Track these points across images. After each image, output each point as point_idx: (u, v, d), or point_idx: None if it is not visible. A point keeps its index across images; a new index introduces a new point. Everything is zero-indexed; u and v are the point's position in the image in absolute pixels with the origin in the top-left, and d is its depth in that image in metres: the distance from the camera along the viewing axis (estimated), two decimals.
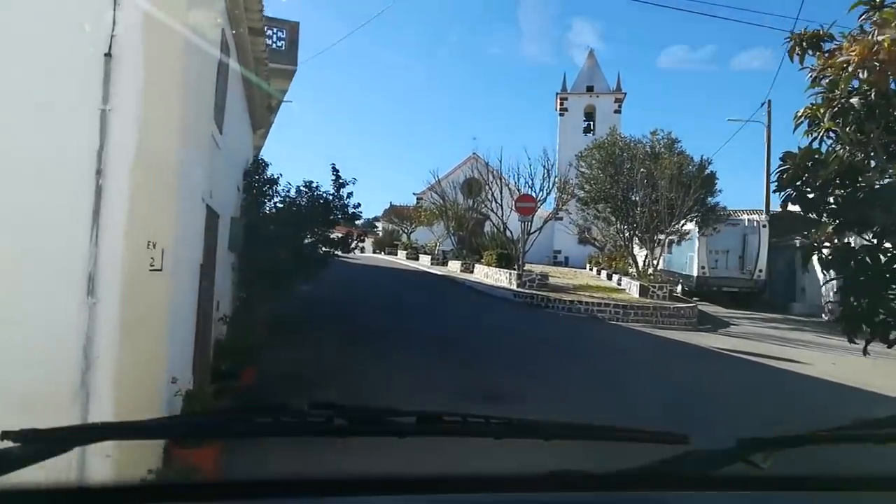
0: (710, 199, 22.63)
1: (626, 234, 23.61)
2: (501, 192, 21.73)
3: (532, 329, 14.83)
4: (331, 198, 11.68)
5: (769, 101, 28.02)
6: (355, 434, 1.23)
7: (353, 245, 12.51)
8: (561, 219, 41.00)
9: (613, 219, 24.32)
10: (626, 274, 24.95)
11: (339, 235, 12.51)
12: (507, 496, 1.24)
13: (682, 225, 22.63)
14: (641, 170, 21.60)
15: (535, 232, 21.46)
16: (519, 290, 19.76)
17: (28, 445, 1.09)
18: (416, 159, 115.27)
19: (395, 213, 38.61)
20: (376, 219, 42.16)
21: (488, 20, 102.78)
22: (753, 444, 1.27)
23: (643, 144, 22.96)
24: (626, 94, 43.92)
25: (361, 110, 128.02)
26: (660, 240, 22.27)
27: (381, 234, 42.57)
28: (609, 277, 27.78)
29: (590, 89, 44.27)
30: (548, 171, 21.48)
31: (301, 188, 11.71)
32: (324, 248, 11.71)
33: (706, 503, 1.29)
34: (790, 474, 1.29)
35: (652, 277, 21.07)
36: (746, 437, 1.30)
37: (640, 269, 23.03)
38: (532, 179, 21.80)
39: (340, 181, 11.70)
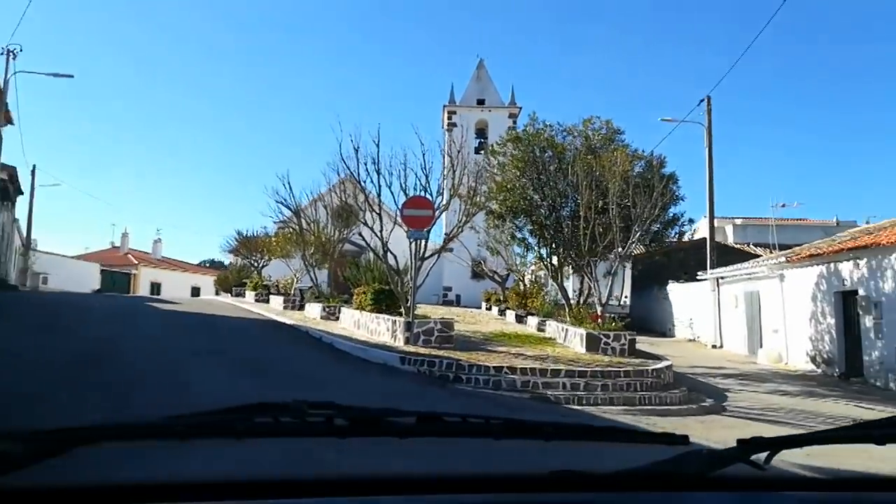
0: (672, 207, 16.50)
1: (556, 260, 16.94)
2: (380, 193, 14.20)
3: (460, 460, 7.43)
4: None
5: (708, 97, 22.89)
6: (355, 434, 1.24)
7: None
8: (451, 250, 34.34)
9: (533, 240, 17.62)
10: (551, 316, 18.28)
11: None
12: (507, 496, 1.22)
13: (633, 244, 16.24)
14: (576, 170, 15.10)
15: (431, 256, 14.06)
16: (409, 349, 12.23)
17: (28, 445, 1.13)
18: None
19: (243, 244, 29.96)
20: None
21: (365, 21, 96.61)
22: (753, 444, 1.26)
23: (579, 132, 16.54)
24: (521, 108, 38.45)
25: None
26: (611, 264, 15.66)
27: (229, 270, 33.61)
28: (520, 320, 21.36)
29: (480, 102, 38.62)
30: (453, 166, 14.19)
31: None
32: None
33: (706, 503, 1.26)
34: (790, 474, 1.32)
35: (601, 321, 14.32)
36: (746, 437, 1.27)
37: (575, 308, 16.36)
38: (427, 176, 14.35)
39: None
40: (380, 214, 13.89)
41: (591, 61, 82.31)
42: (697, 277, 23.22)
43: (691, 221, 16.46)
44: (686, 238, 20.52)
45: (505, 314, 23.33)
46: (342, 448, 1.25)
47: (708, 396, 11.71)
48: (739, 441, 1.27)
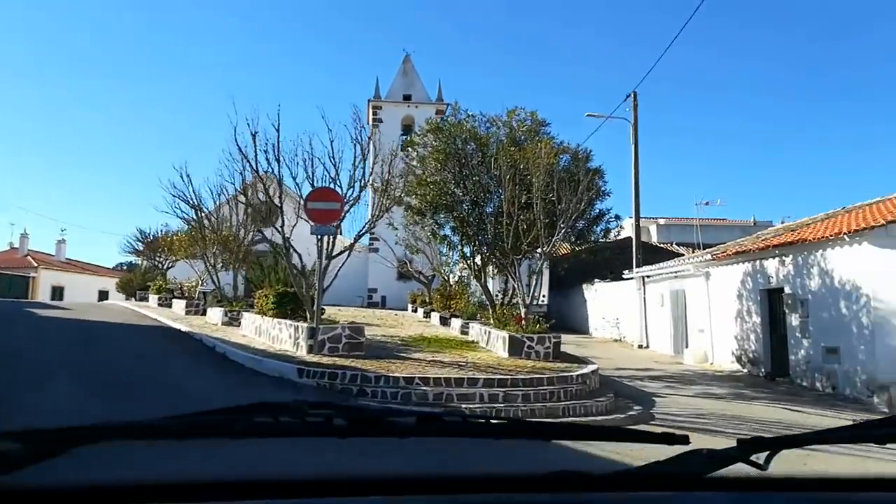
0: (598, 203, 15.74)
1: (480, 259, 15.93)
2: (281, 184, 12.64)
3: None
4: None
5: (634, 93, 22.49)
6: (355, 434, 1.24)
7: None
8: (377, 249, 33.03)
9: (456, 238, 16.55)
10: (475, 317, 17.29)
11: None
12: (507, 496, 1.23)
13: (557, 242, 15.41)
14: (499, 163, 14.13)
15: (340, 254, 12.71)
16: (311, 359, 10.85)
17: (28, 445, 1.12)
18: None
19: (146, 244, 27.64)
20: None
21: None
22: (753, 444, 1.26)
23: (503, 123, 15.56)
24: (448, 105, 37.57)
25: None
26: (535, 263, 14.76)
27: (133, 273, 31.10)
28: (444, 322, 20.41)
29: (407, 98, 37.55)
30: (363, 154, 12.81)
31: None
32: None
33: (706, 503, 1.27)
34: (790, 474, 1.30)
35: (525, 323, 13.38)
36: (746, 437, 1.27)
37: (499, 309, 15.40)
38: (337, 166, 12.86)
39: None
40: (280, 208, 12.40)
41: (522, 58, 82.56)
42: (623, 276, 22.80)
43: (618, 218, 15.80)
44: (612, 237, 19.91)
45: (430, 316, 22.47)
46: (342, 448, 1.29)
47: (636, 403, 10.93)
48: (739, 441, 1.26)
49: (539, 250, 14.32)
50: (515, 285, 14.42)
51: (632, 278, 22.19)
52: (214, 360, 11.53)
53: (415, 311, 25.89)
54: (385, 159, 14.30)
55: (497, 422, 1.37)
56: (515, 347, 12.73)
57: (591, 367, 12.23)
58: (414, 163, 16.20)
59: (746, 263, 16.07)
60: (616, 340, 23.89)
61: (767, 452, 1.26)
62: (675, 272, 19.25)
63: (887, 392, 11.64)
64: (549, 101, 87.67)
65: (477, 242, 15.28)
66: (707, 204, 29.06)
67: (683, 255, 24.21)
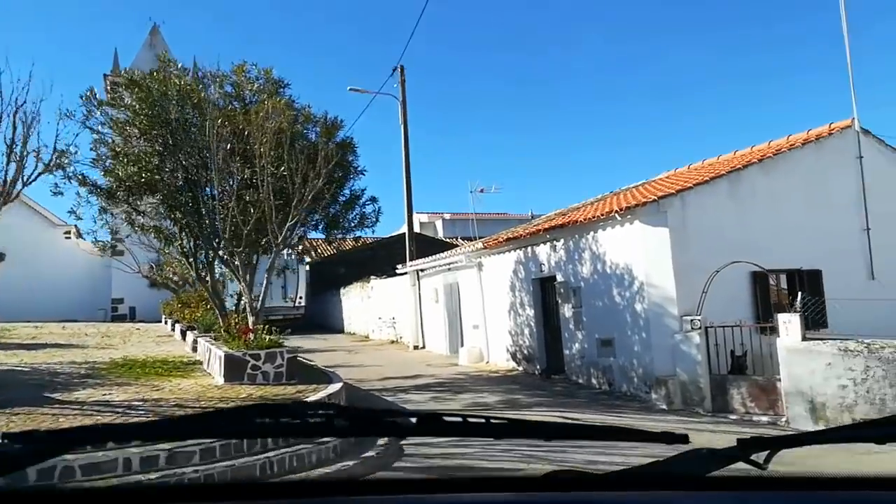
0: (352, 181, 12.98)
1: (204, 255, 12.40)
2: None
3: None
4: None
5: (401, 66, 20.29)
6: (355, 434, 1.33)
7: None
8: (121, 252, 27.77)
9: (177, 229, 12.83)
10: (211, 329, 13.85)
11: None
12: (507, 496, 1.22)
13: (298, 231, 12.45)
14: (216, 129, 10.75)
15: None
16: None
17: (28, 446, 1.11)
18: None
19: None
20: None
21: None
22: (753, 443, 1.25)
23: (228, 80, 12.15)
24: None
25: None
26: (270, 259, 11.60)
27: None
28: (184, 336, 17.06)
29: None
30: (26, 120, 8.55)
31: None
32: None
33: (706, 503, 1.24)
34: (790, 474, 1.30)
35: (251, 336, 10.19)
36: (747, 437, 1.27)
37: (233, 317, 12.07)
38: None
39: None
40: None
41: (287, 48, 78.22)
42: (397, 271, 20.57)
43: (374, 200, 13.24)
44: (370, 226, 17.51)
45: (175, 329, 19.17)
46: (342, 448, 2.21)
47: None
48: (739, 440, 1.27)
49: (279, 240, 11.20)
50: (242, 287, 11.12)
51: (406, 273, 19.99)
52: None
53: (167, 322, 22.55)
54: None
55: (497, 421, 1.25)
56: (235, 370, 9.55)
57: (333, 387, 9.48)
58: (103, 129, 12.13)
59: (518, 251, 14.48)
60: (393, 342, 21.63)
61: (767, 452, 1.25)
62: (449, 264, 17.32)
63: (665, 387, 10.40)
64: (326, 94, 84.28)
65: (194, 232, 11.71)
66: (482, 191, 28.07)
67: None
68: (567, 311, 12.91)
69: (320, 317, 30.58)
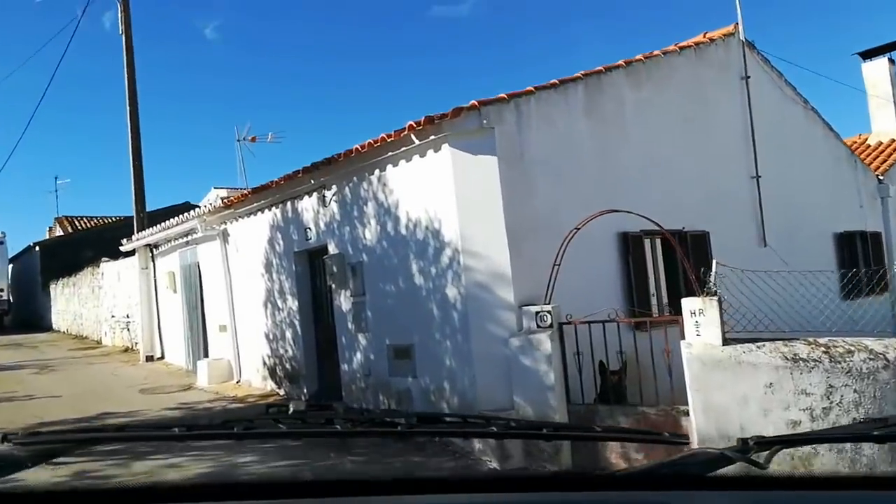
0: None
1: None
2: None
3: None
4: None
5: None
6: (355, 434, 1.26)
7: None
8: None
9: None
10: None
11: None
12: (508, 496, 1.18)
13: None
14: None
15: None
16: None
17: (28, 447, 1.10)
18: None
19: None
20: None
21: None
22: (754, 443, 1.24)
23: None
24: None
25: None
26: None
27: None
28: None
29: None
30: None
31: None
32: None
33: (706, 503, 1.23)
34: (790, 474, 1.28)
35: None
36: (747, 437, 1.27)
37: None
38: None
39: None
40: None
41: None
42: (121, 249, 14.43)
43: None
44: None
45: None
46: (342, 448, 1.87)
47: None
48: (739, 440, 1.26)
49: None
50: None
51: (133, 251, 13.94)
52: None
53: None
54: None
55: (497, 422, 1.30)
56: None
57: None
58: None
59: (275, 209, 9.34)
60: (127, 349, 15.46)
61: (767, 452, 1.24)
62: (186, 234, 11.66)
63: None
64: None
65: None
66: (254, 140, 22.31)
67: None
68: (344, 301, 8.06)
69: (41, 312, 23.45)
